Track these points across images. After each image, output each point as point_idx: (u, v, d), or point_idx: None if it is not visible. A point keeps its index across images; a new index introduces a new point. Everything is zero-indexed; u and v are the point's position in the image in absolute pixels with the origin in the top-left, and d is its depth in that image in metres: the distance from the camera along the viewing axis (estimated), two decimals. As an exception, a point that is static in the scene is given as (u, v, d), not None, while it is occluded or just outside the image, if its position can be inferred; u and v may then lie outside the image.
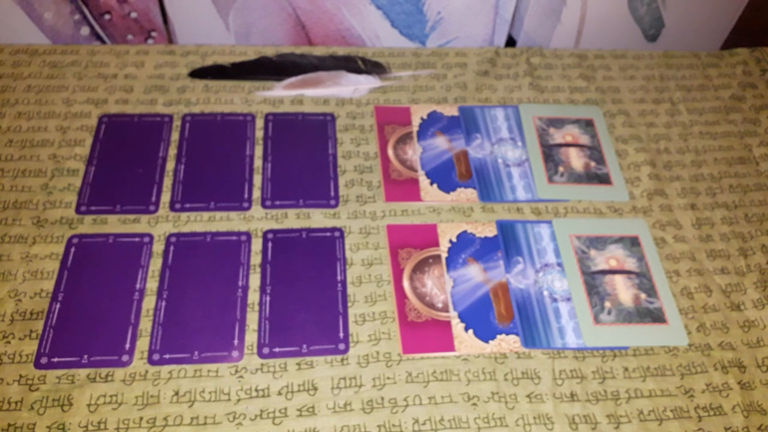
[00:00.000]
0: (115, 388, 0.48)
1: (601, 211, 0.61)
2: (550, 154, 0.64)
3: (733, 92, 0.73)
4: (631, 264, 0.57)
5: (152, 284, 0.53)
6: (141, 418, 0.47)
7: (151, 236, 0.56)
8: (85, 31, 0.71)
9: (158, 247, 0.55)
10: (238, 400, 0.48)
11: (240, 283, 0.54)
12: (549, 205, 0.61)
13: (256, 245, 0.56)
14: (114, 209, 0.57)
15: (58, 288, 0.52)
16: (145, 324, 0.51)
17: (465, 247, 0.57)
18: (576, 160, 0.64)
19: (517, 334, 0.53)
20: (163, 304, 0.52)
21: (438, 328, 0.52)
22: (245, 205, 0.58)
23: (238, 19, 0.71)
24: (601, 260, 0.57)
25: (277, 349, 0.51)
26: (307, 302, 0.53)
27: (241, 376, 0.49)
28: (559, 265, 0.57)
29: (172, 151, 0.62)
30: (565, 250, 0.58)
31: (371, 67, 0.70)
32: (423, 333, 0.52)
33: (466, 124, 0.66)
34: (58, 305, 0.51)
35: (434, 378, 0.50)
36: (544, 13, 0.74)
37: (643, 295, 0.56)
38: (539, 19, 0.75)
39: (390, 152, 0.64)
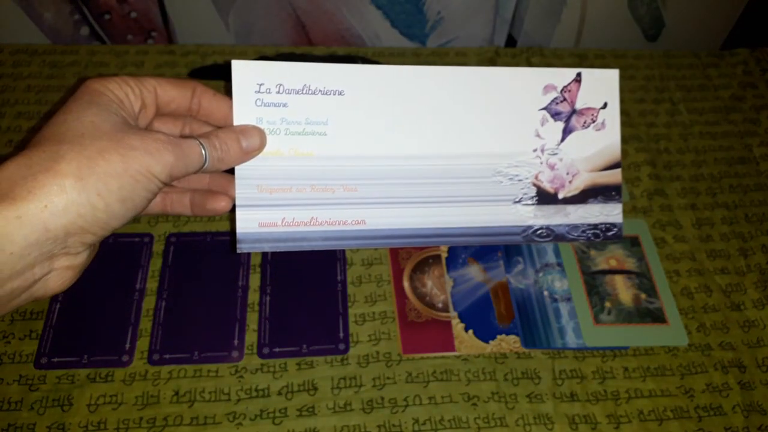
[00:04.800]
0: (115, 388, 0.48)
1: (601, 211, 0.61)
2: (550, 154, 0.64)
3: (733, 92, 0.73)
4: (631, 264, 0.57)
5: (152, 284, 0.53)
6: (141, 418, 0.47)
7: (151, 236, 0.56)
8: (85, 31, 0.71)
9: (158, 247, 0.55)
10: (238, 400, 0.48)
11: (240, 283, 0.54)
12: (549, 205, 0.61)
13: (256, 245, 0.56)
14: (114, 209, 0.57)
15: (58, 288, 0.52)
16: (145, 324, 0.51)
17: (465, 247, 0.57)
18: (576, 160, 0.64)
19: (517, 334, 0.53)
20: (163, 304, 0.52)
21: (438, 328, 0.52)
22: (245, 205, 0.58)
23: (238, 19, 0.71)
24: (601, 260, 0.57)
25: (277, 349, 0.51)
26: (307, 302, 0.53)
27: (241, 376, 0.49)
28: (559, 265, 0.57)
29: (172, 151, 0.62)
30: (565, 250, 0.58)
31: (371, 67, 0.70)
32: (423, 333, 0.52)
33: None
34: (58, 305, 0.51)
35: (434, 378, 0.50)
36: (544, 13, 0.74)
37: (643, 295, 0.56)
38: (539, 19, 0.74)
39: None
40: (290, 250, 0.38)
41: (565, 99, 0.41)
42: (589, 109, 0.42)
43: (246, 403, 0.48)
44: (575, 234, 0.42)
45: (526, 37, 0.76)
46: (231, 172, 0.38)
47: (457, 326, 0.53)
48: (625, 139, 0.67)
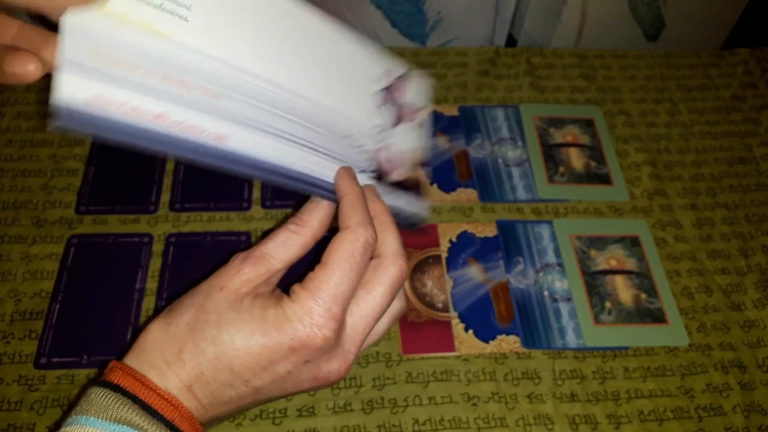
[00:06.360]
0: (115, 388, 0.48)
1: (602, 211, 0.61)
2: (551, 154, 0.64)
3: (733, 92, 0.73)
4: (631, 264, 0.57)
5: (152, 284, 0.53)
6: (141, 418, 0.47)
7: (150, 236, 0.56)
8: (85, 30, 0.71)
9: (158, 247, 0.55)
10: (238, 400, 0.48)
11: (240, 283, 0.54)
12: (549, 205, 0.61)
13: (256, 245, 0.56)
14: (114, 209, 0.57)
15: (58, 288, 0.52)
16: (145, 324, 0.51)
17: (465, 247, 0.57)
18: (576, 160, 0.64)
19: (517, 334, 0.53)
20: (163, 304, 0.52)
21: (438, 329, 0.52)
22: (245, 205, 0.58)
23: (238, 18, 0.71)
24: (601, 260, 0.57)
25: (277, 349, 0.51)
26: (307, 302, 0.53)
27: (241, 376, 0.49)
28: (560, 265, 0.57)
29: (172, 151, 0.62)
30: (566, 250, 0.58)
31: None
32: (423, 333, 0.52)
33: (466, 124, 0.66)
34: (58, 305, 0.51)
35: (434, 378, 0.50)
36: (545, 12, 0.74)
37: (643, 295, 0.55)
38: (539, 19, 0.75)
39: (390, 152, 0.63)
40: (126, 143, 0.29)
41: (397, 89, 0.43)
42: (413, 106, 0.44)
43: (246, 403, 0.48)
44: (398, 220, 0.41)
45: (526, 37, 0.76)
46: (51, 29, 0.29)
47: (457, 326, 0.53)
48: (625, 139, 0.67)
